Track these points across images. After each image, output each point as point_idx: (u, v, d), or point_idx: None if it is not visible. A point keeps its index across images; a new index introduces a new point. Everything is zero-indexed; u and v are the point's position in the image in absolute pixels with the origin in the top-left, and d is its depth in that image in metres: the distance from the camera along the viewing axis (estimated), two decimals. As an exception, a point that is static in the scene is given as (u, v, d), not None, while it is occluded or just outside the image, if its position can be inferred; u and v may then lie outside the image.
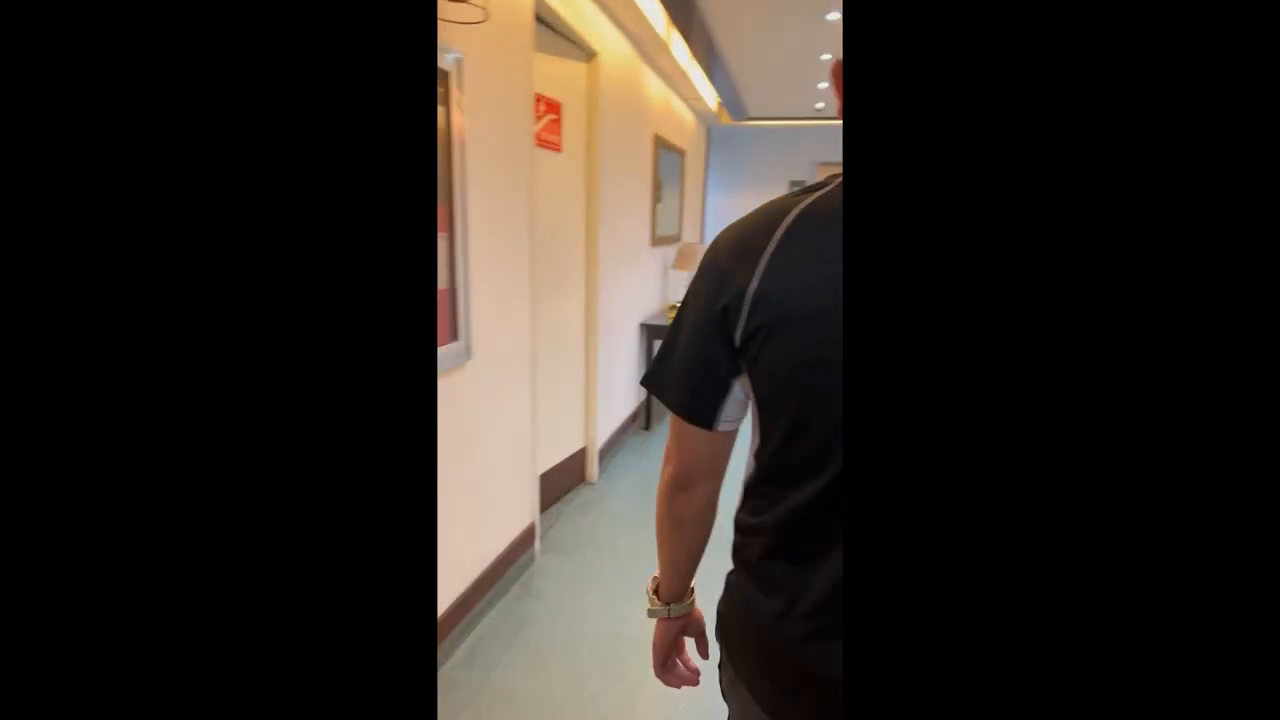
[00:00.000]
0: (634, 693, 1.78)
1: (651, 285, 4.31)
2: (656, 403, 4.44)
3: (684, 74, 4.06)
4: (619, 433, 3.70)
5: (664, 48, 3.49)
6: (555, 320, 2.77)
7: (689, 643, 0.83)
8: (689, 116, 5.10)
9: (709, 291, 0.61)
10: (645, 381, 0.70)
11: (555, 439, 2.86)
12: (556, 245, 2.71)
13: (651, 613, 0.79)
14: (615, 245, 3.37)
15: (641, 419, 4.07)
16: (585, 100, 2.82)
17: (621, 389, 3.71)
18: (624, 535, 2.68)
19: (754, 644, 0.65)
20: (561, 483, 2.98)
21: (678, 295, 5.08)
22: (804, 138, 6.55)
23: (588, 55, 2.80)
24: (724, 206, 6.95)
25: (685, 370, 0.64)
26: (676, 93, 4.57)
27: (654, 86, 3.91)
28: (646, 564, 2.40)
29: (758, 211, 0.63)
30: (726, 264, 0.61)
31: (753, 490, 0.66)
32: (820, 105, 5.22)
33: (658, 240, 4.29)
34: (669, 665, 0.81)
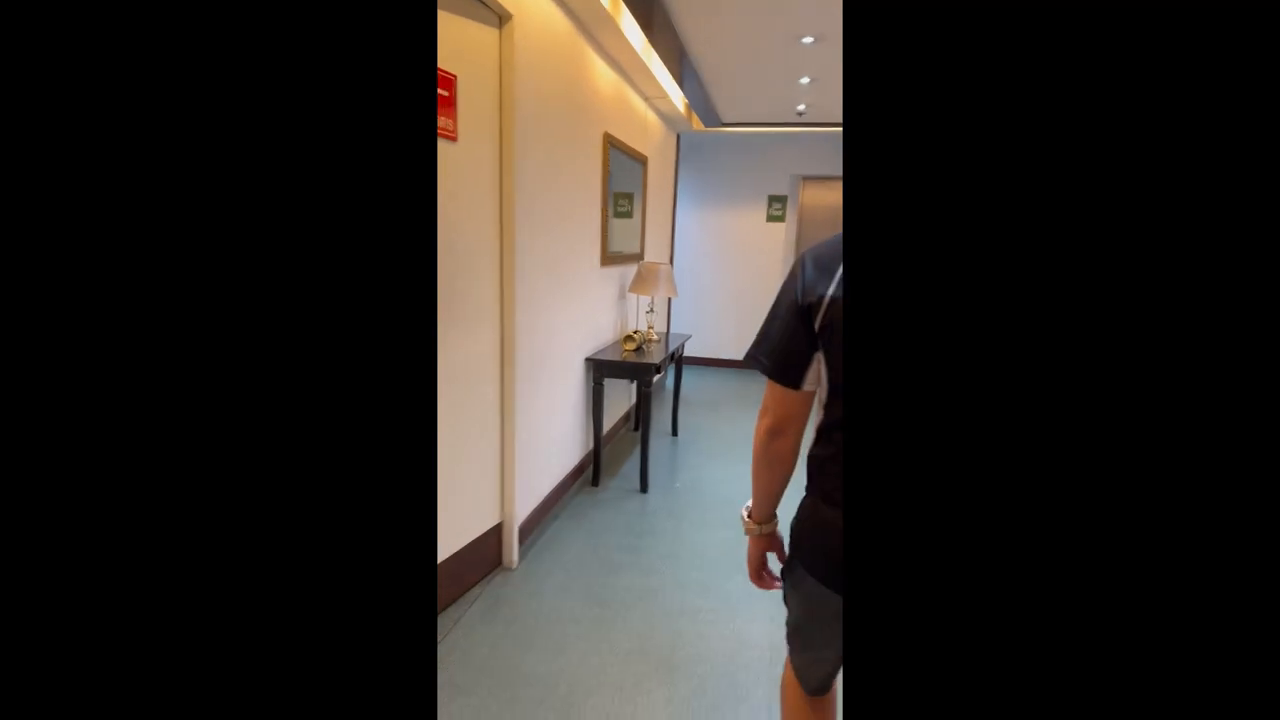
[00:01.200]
0: None
1: (603, 312, 3.65)
2: (610, 453, 3.75)
3: (642, 65, 3.44)
4: (557, 496, 3.01)
5: (611, 24, 2.87)
6: (456, 360, 2.09)
7: (772, 559, 1.11)
8: (652, 119, 4.49)
9: (797, 292, 0.88)
10: (747, 357, 0.97)
11: (457, 516, 2.17)
12: (453, 262, 2.03)
13: (747, 531, 1.08)
14: (548, 264, 2.71)
15: (590, 473, 3.36)
16: (495, 76, 2.17)
17: (562, 440, 3.03)
18: (552, 651, 1.96)
19: (819, 541, 0.94)
20: (464, 575, 2.27)
21: (639, 322, 4.42)
22: (783, 147, 5.99)
23: (499, 18, 2.15)
24: (696, 223, 6.35)
25: (778, 348, 0.91)
26: (636, 88, 3.95)
27: (603, 75, 3.27)
28: (588, 695, 1.73)
29: (836, 237, 0.87)
30: (810, 274, 0.87)
31: (821, 433, 0.93)
32: (802, 108, 4.63)
33: (611, 259, 3.63)
34: (761, 574, 1.09)
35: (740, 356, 6.17)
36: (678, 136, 5.34)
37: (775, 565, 1.11)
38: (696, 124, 5.14)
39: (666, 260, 5.51)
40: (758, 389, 5.47)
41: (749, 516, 1.07)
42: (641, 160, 4.16)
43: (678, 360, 4.21)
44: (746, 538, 1.10)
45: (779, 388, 0.92)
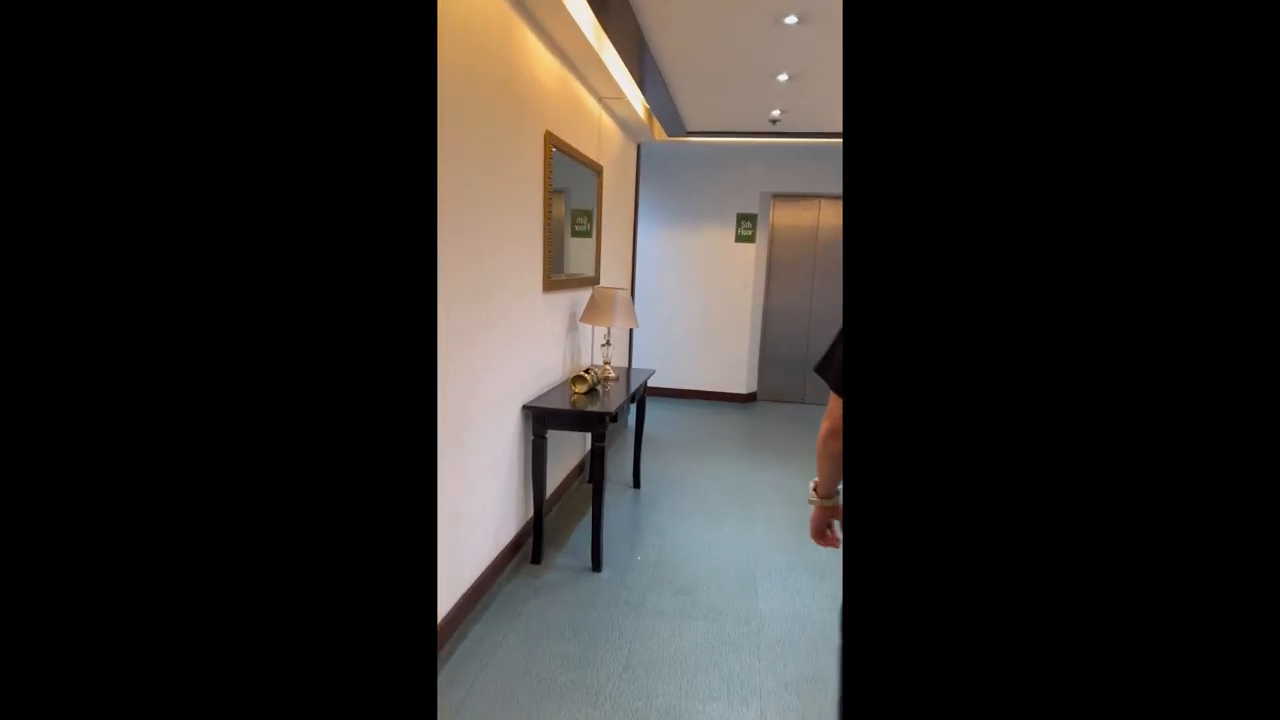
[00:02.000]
0: None
1: (547, 348, 3.06)
2: (558, 517, 3.13)
3: (594, 57, 2.91)
4: (489, 579, 2.39)
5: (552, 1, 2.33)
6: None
7: (836, 525, 1.32)
8: (608, 124, 3.96)
9: None
10: (817, 369, 1.18)
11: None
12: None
13: (811, 502, 1.31)
14: (475, 290, 2.12)
15: (529, 547, 2.73)
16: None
17: (494, 509, 2.41)
18: None
19: None
20: None
21: (594, 357, 3.84)
22: (754, 161, 5.53)
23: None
24: (660, 243, 5.83)
25: (837, 362, 1.10)
26: (587, 85, 3.41)
27: (545, 63, 2.72)
28: None
29: None
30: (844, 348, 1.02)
31: None
32: (776, 114, 4.15)
33: (557, 284, 3.06)
34: (822, 534, 1.32)
35: (708, 387, 5.50)
36: (638, 147, 4.82)
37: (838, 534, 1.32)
38: (659, 133, 4.64)
39: (626, 285, 4.96)
40: (735, 424, 4.98)
41: (814, 490, 1.28)
42: (596, 170, 3.62)
43: (640, 396, 3.63)
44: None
45: (838, 398, 1.11)
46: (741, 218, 5.70)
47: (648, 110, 4.18)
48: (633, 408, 3.60)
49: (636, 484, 3.66)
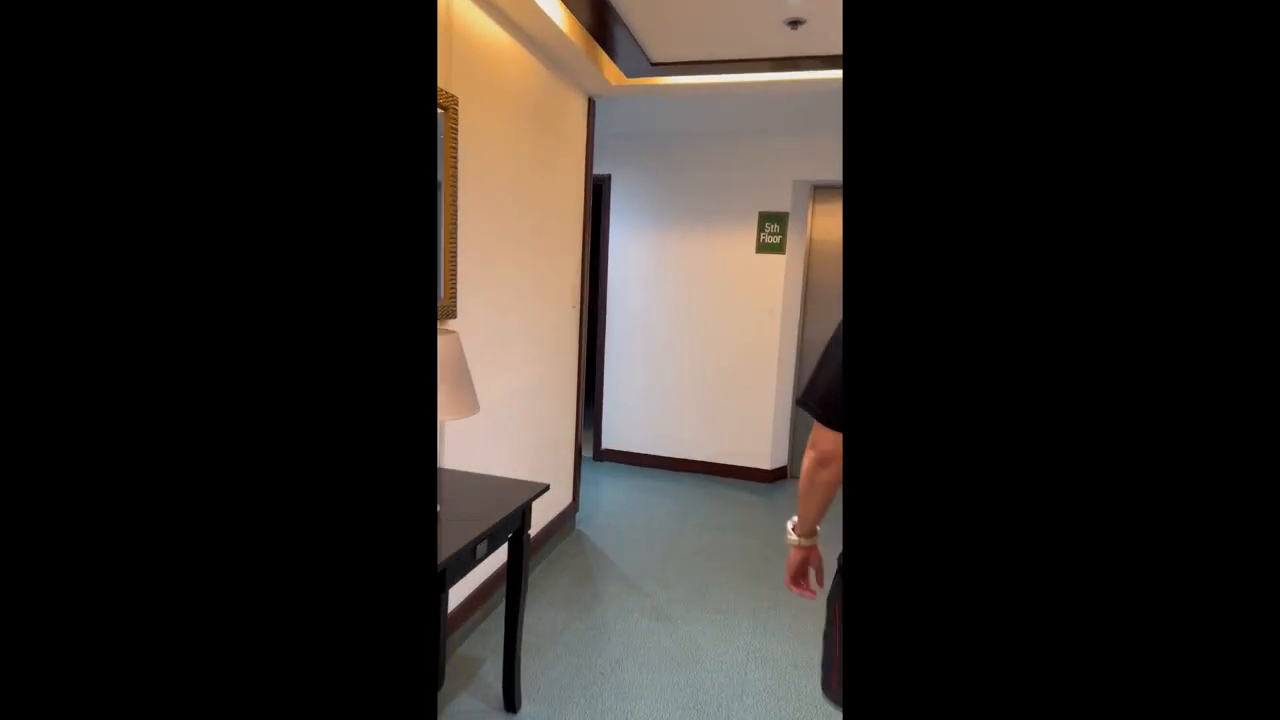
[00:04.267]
0: None
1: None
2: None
3: None
4: None
5: None
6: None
7: (812, 574, 1.26)
8: (505, 46, 2.28)
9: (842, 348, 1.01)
10: (799, 400, 1.11)
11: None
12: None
13: (788, 543, 1.22)
14: None
15: None
16: None
17: None
18: None
19: None
20: None
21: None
22: (781, 132, 3.76)
23: None
24: (646, 252, 4.12)
25: (824, 396, 1.04)
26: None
27: None
28: None
29: None
30: (843, 349, 0.96)
31: None
32: (796, 3, 2.33)
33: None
34: (798, 581, 1.24)
35: (715, 457, 3.62)
36: (590, 102, 3.12)
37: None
38: (611, 72, 2.92)
39: (567, 309, 3.24)
40: (747, 523, 2.93)
41: (793, 530, 1.22)
42: (448, 106, 1.94)
43: (519, 532, 1.87)
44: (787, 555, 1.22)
45: (825, 429, 1.05)
46: (766, 218, 3.93)
47: (582, 31, 2.48)
48: (503, 550, 1.83)
49: (510, 706, 1.90)
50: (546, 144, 2.68)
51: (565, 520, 3.15)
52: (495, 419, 2.38)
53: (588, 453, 4.50)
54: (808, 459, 1.11)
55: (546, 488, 1.87)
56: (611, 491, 3.85)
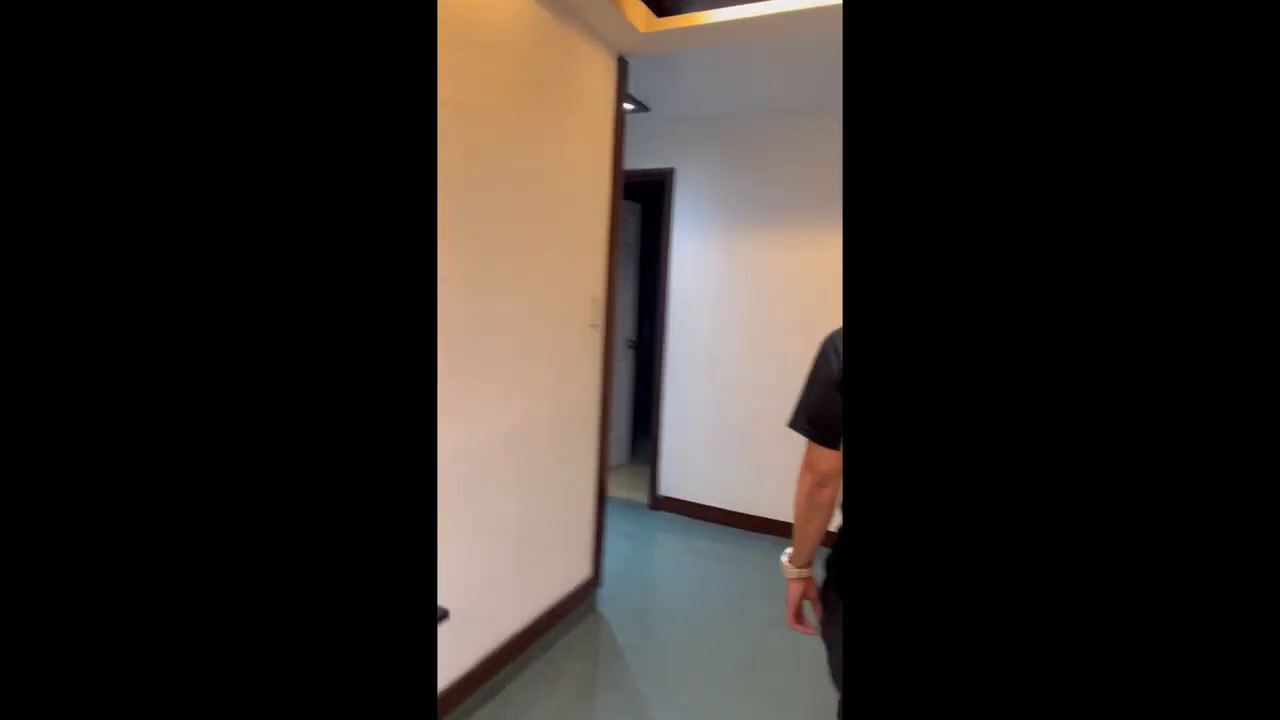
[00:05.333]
0: None
1: None
2: None
3: None
4: None
5: None
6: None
7: (808, 607, 1.18)
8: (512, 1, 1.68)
9: (831, 363, 1.01)
10: (790, 424, 1.08)
11: None
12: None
13: (786, 574, 1.16)
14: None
15: None
16: None
17: None
18: None
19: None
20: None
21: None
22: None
23: None
24: (710, 257, 3.39)
25: (816, 416, 1.04)
26: None
27: None
28: None
29: None
30: (843, 347, 0.97)
31: None
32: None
33: None
34: (799, 617, 1.17)
35: (774, 514, 3.09)
36: (619, 64, 2.44)
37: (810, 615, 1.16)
38: (638, 13, 2.23)
39: (596, 336, 2.56)
40: None
41: (789, 562, 1.15)
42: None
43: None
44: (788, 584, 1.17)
45: (821, 449, 1.03)
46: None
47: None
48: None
49: None
50: (554, 116, 2.04)
51: (580, 600, 2.46)
52: (472, 474, 1.74)
53: (642, 498, 3.80)
54: (804, 482, 1.09)
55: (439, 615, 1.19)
56: (660, 554, 3.12)
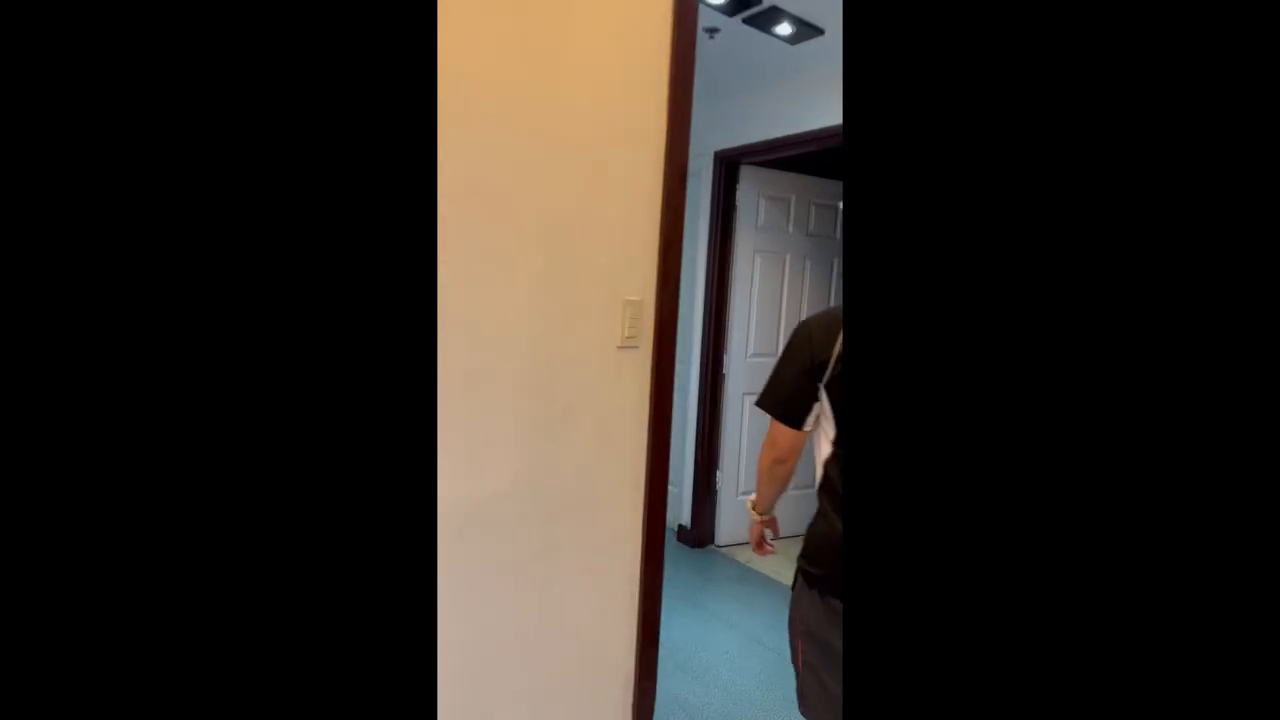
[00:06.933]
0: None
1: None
2: None
3: None
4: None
5: None
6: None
7: (768, 534, 1.36)
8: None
9: (805, 351, 1.08)
10: (759, 403, 1.17)
11: None
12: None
13: (751, 516, 1.33)
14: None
15: None
16: None
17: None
18: None
19: (827, 544, 1.08)
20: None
21: None
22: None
23: None
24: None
25: (785, 397, 1.13)
26: None
27: None
28: None
29: (836, 307, 1.10)
30: (819, 336, 1.06)
31: (835, 454, 1.10)
32: None
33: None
34: (762, 545, 1.34)
35: None
36: (676, 24, 1.56)
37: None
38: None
39: (639, 358, 1.86)
40: None
41: (753, 507, 1.33)
42: None
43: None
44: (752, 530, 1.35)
45: (784, 427, 1.14)
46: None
47: None
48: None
49: None
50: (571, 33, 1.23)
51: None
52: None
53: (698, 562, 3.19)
54: (766, 458, 1.21)
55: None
56: (702, 648, 2.49)
